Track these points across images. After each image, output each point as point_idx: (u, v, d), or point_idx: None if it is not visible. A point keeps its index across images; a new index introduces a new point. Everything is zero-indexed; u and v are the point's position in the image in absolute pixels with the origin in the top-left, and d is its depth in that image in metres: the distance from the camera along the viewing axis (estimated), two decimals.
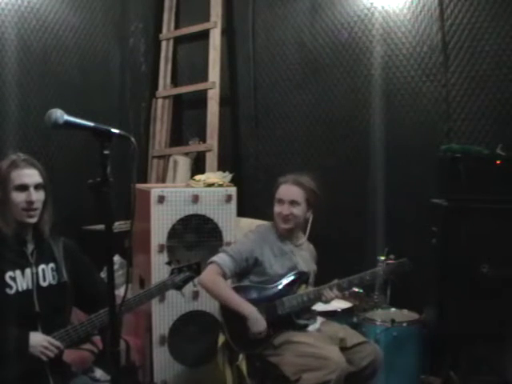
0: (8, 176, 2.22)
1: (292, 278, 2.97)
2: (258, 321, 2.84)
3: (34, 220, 2.26)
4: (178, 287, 2.46)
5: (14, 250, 2.26)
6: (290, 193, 3.01)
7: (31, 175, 2.25)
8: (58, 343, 2.18)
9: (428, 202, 3.46)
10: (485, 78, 3.67)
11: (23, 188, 2.23)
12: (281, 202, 3.02)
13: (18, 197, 2.22)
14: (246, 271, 2.98)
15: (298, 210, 3.00)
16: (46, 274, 2.31)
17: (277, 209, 3.03)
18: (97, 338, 2.43)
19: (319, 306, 3.13)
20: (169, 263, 2.56)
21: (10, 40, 3.94)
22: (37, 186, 2.26)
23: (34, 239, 2.32)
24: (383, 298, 3.60)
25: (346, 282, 2.91)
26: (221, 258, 2.95)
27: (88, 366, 2.56)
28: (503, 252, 3.16)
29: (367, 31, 4.06)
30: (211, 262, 2.93)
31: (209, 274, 2.88)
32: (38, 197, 2.26)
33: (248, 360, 2.90)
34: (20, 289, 2.23)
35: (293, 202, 3.00)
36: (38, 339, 2.16)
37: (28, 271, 2.26)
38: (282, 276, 2.96)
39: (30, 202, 2.23)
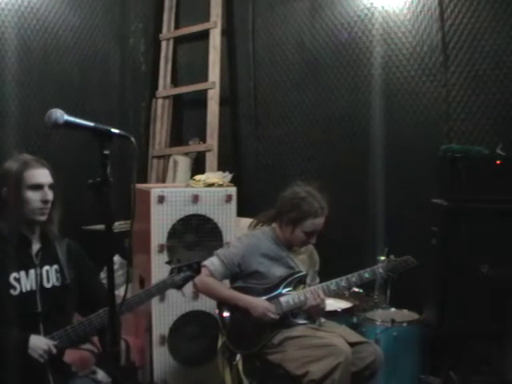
0: (21, 176, 2.23)
1: (289, 278, 2.97)
2: (257, 305, 2.85)
3: (44, 218, 2.28)
4: (178, 286, 2.46)
5: (20, 251, 2.27)
6: (322, 224, 2.97)
7: (45, 175, 2.28)
8: (53, 350, 2.17)
9: (428, 202, 3.46)
10: (485, 78, 3.67)
11: (38, 187, 2.25)
12: (311, 234, 2.97)
13: (33, 196, 2.24)
14: (240, 275, 2.98)
15: None
16: (50, 275, 2.31)
17: (302, 237, 2.96)
18: (96, 338, 2.42)
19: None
20: (169, 262, 2.55)
21: (10, 40, 3.95)
22: (50, 186, 2.29)
23: (41, 239, 2.33)
24: (383, 297, 3.60)
25: (344, 280, 2.92)
26: (212, 262, 2.95)
27: (88, 366, 2.55)
28: (503, 252, 3.16)
29: (367, 31, 4.06)
30: (203, 266, 2.94)
31: (199, 277, 2.88)
32: (51, 196, 2.29)
33: (247, 360, 2.90)
34: (24, 290, 2.23)
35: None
36: (38, 342, 2.15)
37: (32, 272, 2.26)
38: (280, 278, 2.96)
39: (46, 201, 2.26)
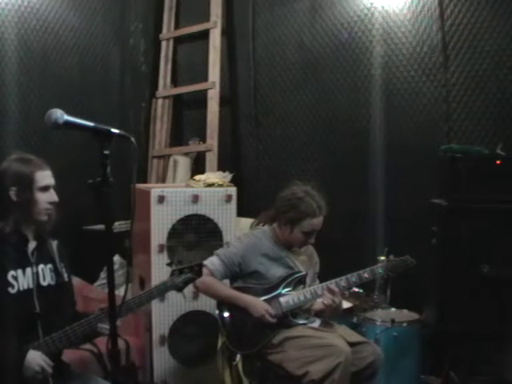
0: (33, 177, 2.26)
1: (288, 278, 2.96)
2: (257, 305, 2.85)
3: (47, 218, 2.31)
4: (179, 288, 2.45)
5: (17, 249, 2.27)
6: (320, 224, 2.97)
7: (50, 176, 2.32)
8: (49, 369, 2.13)
9: (428, 202, 3.46)
10: (485, 78, 3.67)
11: (46, 189, 2.29)
12: (309, 234, 2.96)
13: (42, 197, 2.27)
14: (240, 275, 2.98)
15: None
16: (45, 273, 2.32)
17: (301, 237, 2.96)
18: (99, 339, 2.41)
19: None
20: (170, 264, 2.55)
21: (10, 40, 3.94)
22: (54, 187, 2.32)
23: (36, 238, 2.33)
24: (383, 297, 3.60)
25: (344, 279, 2.92)
26: (212, 262, 2.95)
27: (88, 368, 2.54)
28: (503, 252, 3.15)
29: (367, 31, 4.06)
30: (203, 265, 2.94)
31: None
32: (57, 198, 2.32)
33: (247, 360, 2.90)
34: (21, 288, 2.23)
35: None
36: (35, 359, 2.11)
37: (28, 270, 2.27)
38: (280, 278, 2.96)
39: (52, 203, 2.29)
